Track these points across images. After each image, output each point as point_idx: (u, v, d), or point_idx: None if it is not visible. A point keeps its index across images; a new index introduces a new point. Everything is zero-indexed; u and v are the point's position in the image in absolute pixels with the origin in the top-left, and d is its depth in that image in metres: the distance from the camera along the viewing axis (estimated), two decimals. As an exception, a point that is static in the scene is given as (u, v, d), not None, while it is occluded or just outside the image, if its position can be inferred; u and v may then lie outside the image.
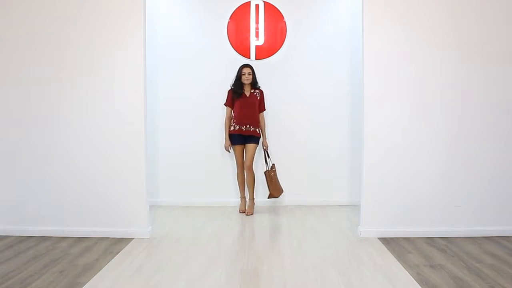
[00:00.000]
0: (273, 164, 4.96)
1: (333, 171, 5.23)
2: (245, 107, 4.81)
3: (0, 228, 3.96)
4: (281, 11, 5.17)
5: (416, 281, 2.90)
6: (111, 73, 3.86)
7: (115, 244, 3.70)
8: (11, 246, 3.64)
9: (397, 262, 3.28)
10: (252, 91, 4.87)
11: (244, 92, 4.84)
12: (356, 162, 4.98)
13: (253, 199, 4.96)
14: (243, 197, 5.01)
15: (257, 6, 5.17)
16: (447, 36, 3.85)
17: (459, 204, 3.90)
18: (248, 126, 4.81)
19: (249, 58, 5.18)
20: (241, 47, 5.17)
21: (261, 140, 4.94)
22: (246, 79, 4.80)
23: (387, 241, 3.76)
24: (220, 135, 5.12)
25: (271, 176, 4.88)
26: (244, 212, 4.87)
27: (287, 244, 3.77)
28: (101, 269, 3.13)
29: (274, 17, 5.18)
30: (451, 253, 3.46)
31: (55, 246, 3.64)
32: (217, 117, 5.14)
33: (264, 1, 5.16)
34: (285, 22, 5.18)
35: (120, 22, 3.83)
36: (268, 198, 4.97)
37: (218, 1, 5.21)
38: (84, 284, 2.87)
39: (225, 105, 4.90)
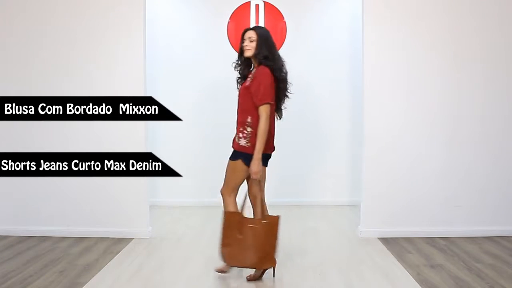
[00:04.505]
0: (278, 216, 2.84)
1: (333, 171, 5.22)
2: (238, 104, 3.00)
3: (0, 228, 3.96)
4: (281, 11, 5.16)
5: (416, 281, 2.91)
6: (112, 73, 3.87)
7: (115, 244, 3.69)
8: (11, 246, 3.64)
9: (397, 262, 3.28)
10: (252, 71, 2.97)
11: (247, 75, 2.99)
12: (356, 162, 4.96)
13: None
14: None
15: (257, 6, 5.17)
16: (445, 36, 3.86)
17: (459, 204, 3.90)
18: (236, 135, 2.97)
19: (250, 58, 5.17)
20: (241, 47, 5.17)
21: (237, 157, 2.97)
22: (246, 47, 2.90)
23: (387, 241, 3.76)
24: (220, 134, 4.81)
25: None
26: (224, 272, 3.00)
27: (287, 244, 3.76)
28: (101, 269, 3.13)
29: (274, 17, 5.17)
30: (451, 253, 3.46)
31: (55, 246, 3.64)
32: (217, 117, 5.13)
33: (264, 1, 5.16)
34: (285, 22, 5.18)
35: (120, 23, 3.85)
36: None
37: (218, 1, 5.21)
38: (84, 284, 2.87)
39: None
